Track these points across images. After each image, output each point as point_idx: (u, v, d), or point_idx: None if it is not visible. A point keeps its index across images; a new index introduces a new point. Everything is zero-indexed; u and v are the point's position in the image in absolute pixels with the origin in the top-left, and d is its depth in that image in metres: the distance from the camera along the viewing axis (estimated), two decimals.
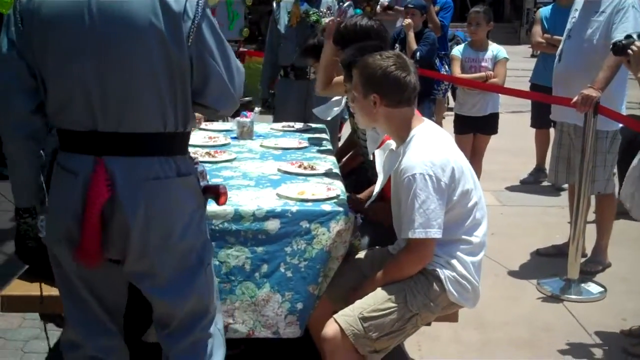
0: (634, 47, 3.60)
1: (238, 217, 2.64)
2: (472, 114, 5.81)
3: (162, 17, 2.02)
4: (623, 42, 3.67)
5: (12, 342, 3.57)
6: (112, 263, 2.20)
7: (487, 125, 5.84)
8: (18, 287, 2.72)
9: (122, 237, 2.11)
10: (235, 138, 3.93)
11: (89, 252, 2.09)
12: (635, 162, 3.64)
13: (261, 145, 3.80)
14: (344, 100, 4.04)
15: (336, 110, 4.15)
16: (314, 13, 5.02)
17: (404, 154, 2.63)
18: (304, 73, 5.20)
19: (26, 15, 2.06)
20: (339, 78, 3.48)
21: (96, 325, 2.31)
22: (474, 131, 5.84)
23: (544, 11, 6.40)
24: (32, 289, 2.68)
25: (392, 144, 2.81)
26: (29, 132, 2.17)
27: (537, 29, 6.33)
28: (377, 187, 2.88)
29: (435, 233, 2.55)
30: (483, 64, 5.75)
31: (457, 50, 5.91)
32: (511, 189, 6.62)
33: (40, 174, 2.25)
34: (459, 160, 2.65)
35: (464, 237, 2.67)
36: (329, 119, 4.22)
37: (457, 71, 5.80)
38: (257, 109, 4.12)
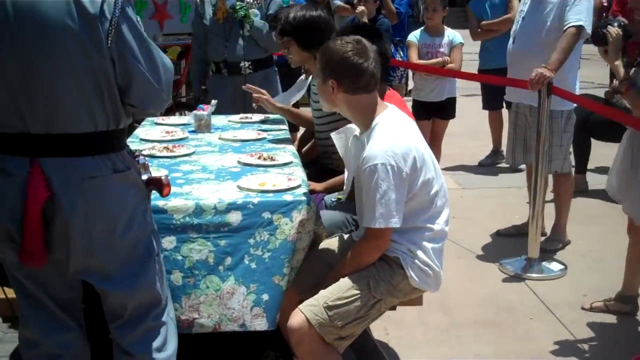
0: (612, 33, 3.61)
1: (199, 210, 2.61)
2: (430, 99, 5.86)
3: (77, 19, 2.01)
4: (603, 30, 3.65)
5: None
6: (59, 261, 2.18)
7: (444, 110, 5.90)
8: None
9: (63, 237, 2.11)
10: (193, 132, 3.89)
11: (33, 253, 2.09)
12: (619, 152, 3.66)
13: (220, 138, 3.76)
14: (305, 86, 4.02)
15: (297, 95, 4.12)
16: (241, 8, 4.78)
17: (367, 142, 2.62)
18: (237, 68, 4.97)
19: None
20: None
21: (51, 322, 2.30)
22: (432, 116, 5.89)
23: (472, 3, 6.57)
24: None
25: (354, 129, 2.80)
26: None
27: (472, 22, 6.50)
28: (347, 175, 2.88)
29: (396, 223, 2.56)
30: (440, 49, 5.79)
31: (413, 36, 5.93)
32: (470, 171, 6.70)
33: None
34: (421, 149, 2.65)
35: (425, 225, 2.68)
36: (290, 104, 4.14)
37: (414, 57, 5.83)
38: (213, 102, 4.07)
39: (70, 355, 2.34)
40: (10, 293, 2.58)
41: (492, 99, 6.49)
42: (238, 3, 4.78)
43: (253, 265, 2.62)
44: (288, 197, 2.71)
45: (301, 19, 3.53)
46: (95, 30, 2.03)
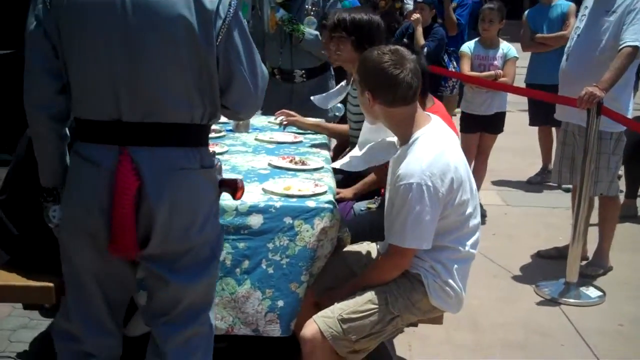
0: None
1: (221, 211, 2.56)
2: (480, 112, 5.72)
3: (194, 12, 2.03)
4: None
5: (0, 332, 3.55)
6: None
7: (493, 124, 5.76)
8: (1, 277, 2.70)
9: (147, 225, 2.09)
10: (230, 131, 3.88)
11: (125, 244, 2.08)
12: None
13: (256, 139, 3.76)
14: (345, 92, 3.97)
15: (336, 100, 4.07)
16: (289, 22, 4.58)
17: (404, 156, 2.55)
18: (291, 77, 4.80)
19: None
20: None
21: (97, 323, 2.29)
22: (481, 130, 5.76)
23: (530, 12, 6.40)
24: (12, 278, 2.65)
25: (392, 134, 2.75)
26: (54, 112, 2.14)
27: (525, 33, 6.32)
28: (349, 155, 2.86)
29: (426, 245, 2.52)
30: (493, 62, 5.65)
31: (466, 47, 5.78)
32: (516, 188, 6.54)
33: (67, 155, 2.23)
34: (460, 169, 2.56)
35: (452, 245, 2.61)
36: (328, 107, 4.11)
37: (466, 68, 5.70)
38: None
39: (105, 356, 2.33)
40: (28, 280, 2.63)
41: (540, 115, 6.30)
42: (286, 15, 4.60)
43: (270, 271, 2.60)
44: (311, 203, 2.68)
45: (363, 18, 3.47)
46: (209, 26, 2.05)
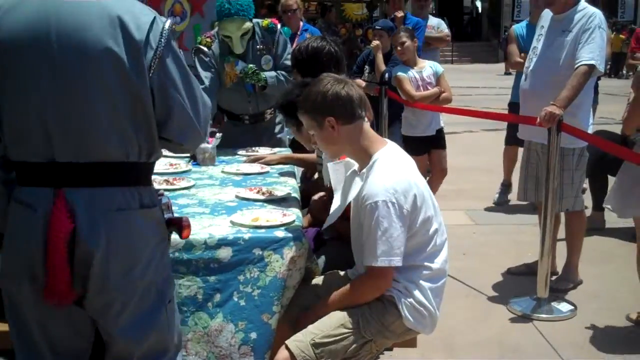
0: None
1: (189, 246, 2.59)
2: (426, 133, 5.83)
3: (122, 44, 1.95)
4: None
5: None
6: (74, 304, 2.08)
7: (439, 140, 5.91)
8: None
9: (82, 272, 2.01)
10: (196, 164, 3.89)
11: (59, 289, 1.99)
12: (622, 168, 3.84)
13: (222, 172, 3.76)
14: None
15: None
16: (253, 74, 4.44)
17: (366, 178, 2.59)
18: (261, 117, 4.74)
19: None
20: None
21: None
22: (428, 150, 5.86)
23: (518, 29, 6.38)
24: None
25: (353, 164, 2.78)
26: None
27: (513, 48, 6.29)
28: (334, 207, 2.85)
29: (398, 262, 2.53)
30: (428, 80, 5.79)
31: (399, 72, 5.80)
32: (484, 207, 6.61)
33: (5, 201, 2.13)
34: (421, 186, 2.62)
35: (424, 263, 2.64)
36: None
37: (412, 91, 5.72)
38: (218, 135, 4.07)
39: None
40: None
41: (510, 135, 6.39)
42: (247, 68, 4.45)
43: (242, 303, 2.59)
44: (280, 233, 2.69)
45: (304, 50, 3.53)
46: (139, 57, 1.97)
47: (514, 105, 6.26)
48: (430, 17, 7.63)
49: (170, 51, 2.03)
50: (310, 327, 2.57)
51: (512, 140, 6.52)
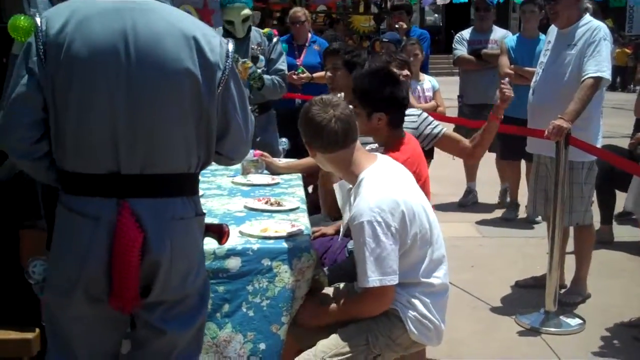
0: None
1: None
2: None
3: (198, 65, 2.04)
4: None
5: None
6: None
7: (430, 151, 5.93)
8: None
9: (148, 276, 2.07)
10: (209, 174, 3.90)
11: (128, 296, 2.04)
12: None
13: (232, 182, 3.77)
14: None
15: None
16: (260, 78, 4.94)
17: (354, 198, 2.60)
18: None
19: (52, 48, 1.98)
20: None
21: None
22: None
23: (509, 42, 6.38)
24: None
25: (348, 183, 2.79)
26: (37, 156, 2.09)
27: (504, 60, 6.29)
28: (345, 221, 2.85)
29: (391, 280, 2.51)
30: (427, 93, 5.84)
31: None
32: (491, 219, 6.59)
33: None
34: (411, 201, 2.59)
35: (422, 280, 2.63)
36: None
37: (415, 102, 5.72)
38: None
39: None
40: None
41: (510, 149, 6.36)
42: (257, 72, 4.91)
43: (251, 313, 2.59)
44: (289, 244, 2.69)
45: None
46: (212, 78, 2.08)
47: (508, 120, 6.21)
48: (495, 28, 7.10)
49: (233, 72, 2.16)
50: (319, 344, 2.57)
51: (511, 155, 6.50)
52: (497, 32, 6.92)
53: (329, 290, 2.90)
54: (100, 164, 2.03)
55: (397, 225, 2.51)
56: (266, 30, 5.28)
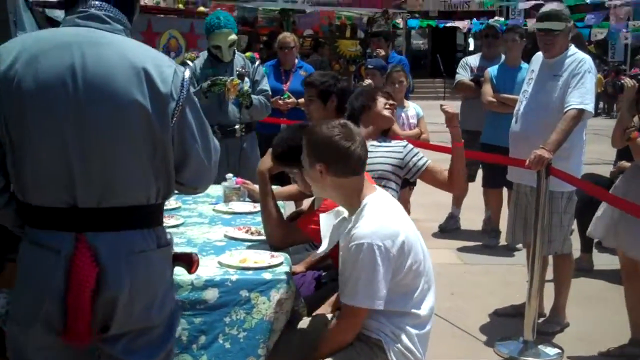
0: (627, 83, 4.03)
1: (176, 286, 2.59)
2: None
3: (148, 96, 2.03)
4: (621, 81, 4.03)
5: None
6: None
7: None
8: None
9: (106, 312, 2.06)
10: (186, 201, 3.90)
11: (81, 331, 2.03)
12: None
13: (214, 210, 3.77)
14: None
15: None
16: (248, 95, 5.14)
17: (355, 221, 2.61)
18: (231, 131, 5.20)
19: (2, 84, 1.99)
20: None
21: None
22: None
23: (492, 71, 6.46)
24: None
25: (343, 211, 2.80)
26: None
27: (487, 89, 6.36)
28: (320, 251, 2.87)
29: (379, 305, 2.54)
30: (411, 120, 5.91)
31: None
32: (474, 247, 6.62)
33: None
34: (410, 233, 2.64)
35: (411, 310, 2.65)
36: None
37: (398, 129, 5.77)
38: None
39: None
40: None
41: (493, 177, 6.42)
42: (247, 89, 5.10)
43: (227, 345, 2.59)
44: (267, 275, 2.70)
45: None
46: (164, 109, 2.06)
47: (486, 147, 6.28)
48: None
49: (190, 101, 2.14)
50: None
51: (494, 183, 6.56)
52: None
53: (306, 321, 2.90)
54: (58, 197, 2.04)
55: (395, 252, 2.55)
56: (248, 54, 5.55)
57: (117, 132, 2.02)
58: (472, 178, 6.64)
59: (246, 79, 5.16)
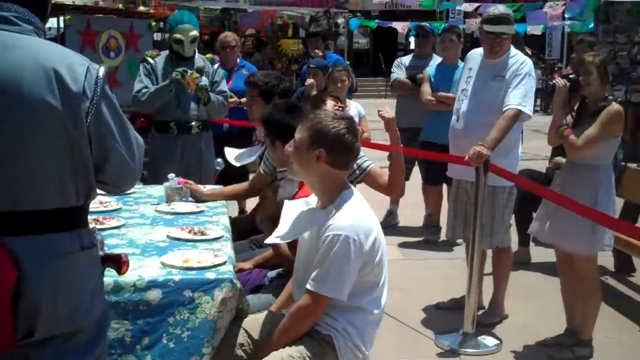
0: (559, 83, 4.10)
1: (118, 288, 2.60)
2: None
3: (59, 97, 1.99)
4: (554, 81, 4.12)
5: None
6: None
7: None
8: None
9: (29, 316, 2.01)
10: (128, 202, 3.89)
11: (1, 337, 1.97)
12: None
13: (156, 210, 3.76)
14: (258, 153, 4.20)
15: (249, 159, 4.47)
16: (206, 89, 5.15)
17: (333, 212, 2.66)
18: (188, 128, 5.21)
19: None
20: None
21: None
22: None
23: (430, 70, 6.60)
24: None
25: (312, 202, 2.84)
26: None
27: (426, 87, 6.49)
28: (277, 237, 2.89)
29: (342, 296, 2.61)
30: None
31: None
32: (415, 242, 6.74)
33: None
34: (380, 232, 2.72)
35: (368, 307, 2.71)
36: (236, 164, 4.50)
37: None
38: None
39: None
40: None
41: (434, 174, 6.53)
42: (205, 84, 5.12)
43: (171, 345, 2.60)
44: (211, 274, 2.72)
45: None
46: (76, 109, 2.01)
47: (425, 145, 6.39)
48: (435, 56, 7.16)
49: (105, 98, 2.09)
50: None
51: (432, 181, 6.69)
52: (437, 60, 7.03)
53: (252, 318, 2.92)
54: None
55: (367, 248, 2.61)
56: (208, 55, 5.59)
57: (29, 135, 1.98)
58: (406, 177, 6.73)
59: (204, 77, 5.18)
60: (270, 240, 2.95)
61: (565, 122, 4.13)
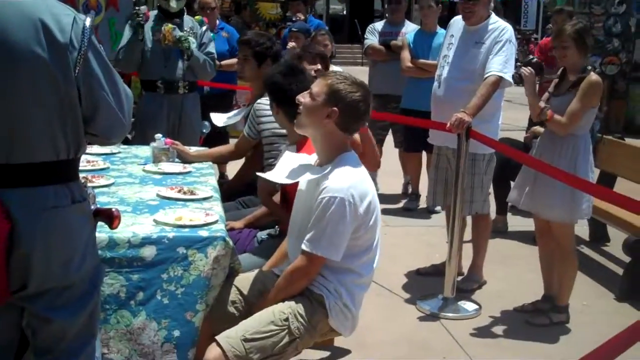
0: (525, 72, 4.07)
1: (113, 244, 2.61)
2: None
3: (46, 47, 1.98)
4: (519, 72, 4.15)
5: None
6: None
7: None
8: None
9: (21, 269, 2.03)
10: (115, 162, 3.87)
11: None
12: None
13: (143, 170, 3.76)
14: (241, 114, 4.21)
15: (235, 119, 4.48)
16: (186, 40, 5.05)
17: (329, 172, 2.68)
18: (175, 87, 5.18)
19: None
20: None
21: None
22: None
23: (410, 37, 6.60)
24: None
25: (310, 160, 2.87)
26: None
27: (405, 54, 6.49)
28: (271, 177, 2.93)
29: (336, 256, 2.64)
30: None
31: None
32: (395, 208, 6.80)
33: None
34: (375, 196, 2.75)
35: (359, 270, 2.76)
36: (221, 124, 4.60)
37: None
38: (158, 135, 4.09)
39: None
40: None
41: (413, 141, 6.57)
42: (183, 34, 5.04)
43: (165, 301, 2.63)
44: (204, 232, 2.74)
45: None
46: (64, 59, 2.01)
47: (406, 112, 6.40)
48: (408, 22, 7.18)
49: (93, 49, 2.08)
50: (241, 324, 2.64)
51: (412, 148, 6.73)
52: (409, 26, 7.04)
53: (243, 276, 2.95)
54: None
55: (362, 211, 2.64)
56: (198, 17, 5.57)
57: (19, 86, 1.99)
58: (380, 142, 6.75)
59: (192, 39, 5.11)
60: (264, 175, 2.99)
61: (543, 105, 4.12)
